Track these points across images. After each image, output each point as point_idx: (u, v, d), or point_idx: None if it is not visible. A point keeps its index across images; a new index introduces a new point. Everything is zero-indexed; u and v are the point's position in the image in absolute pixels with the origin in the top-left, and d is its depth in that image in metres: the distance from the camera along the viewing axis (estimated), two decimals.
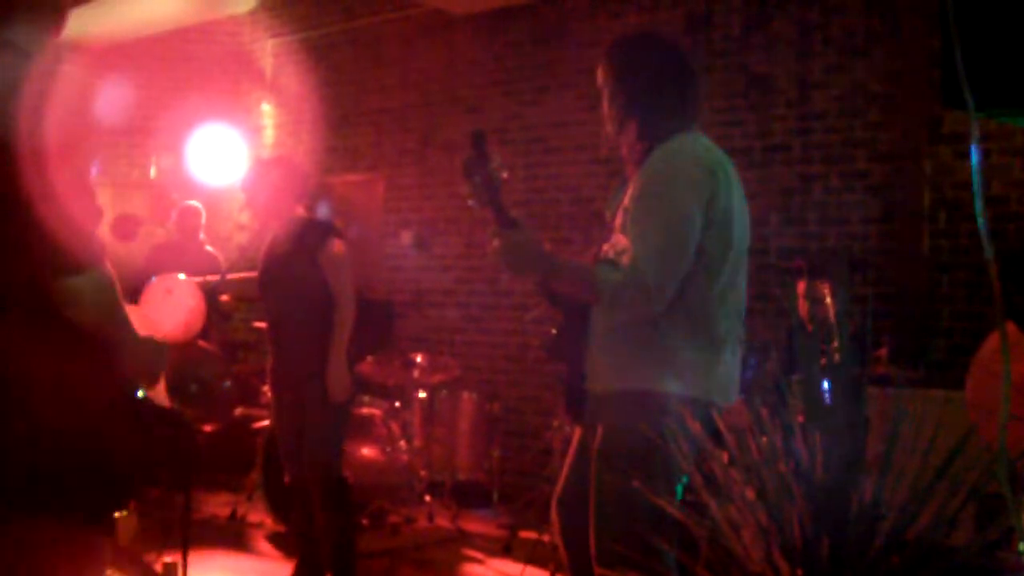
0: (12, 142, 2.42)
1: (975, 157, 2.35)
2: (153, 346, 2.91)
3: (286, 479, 5.99)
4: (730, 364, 3.61)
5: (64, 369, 2.57)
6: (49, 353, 2.55)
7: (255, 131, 11.71)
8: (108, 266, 2.60)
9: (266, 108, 11.84)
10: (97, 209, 2.64)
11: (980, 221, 2.27)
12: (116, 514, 2.79)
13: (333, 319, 5.75)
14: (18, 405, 2.49)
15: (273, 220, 5.91)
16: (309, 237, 5.83)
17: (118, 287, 2.63)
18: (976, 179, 2.35)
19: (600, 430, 3.65)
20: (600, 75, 3.81)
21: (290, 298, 5.82)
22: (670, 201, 3.50)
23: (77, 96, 2.56)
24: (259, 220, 5.97)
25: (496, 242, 3.60)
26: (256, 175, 5.94)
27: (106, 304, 2.61)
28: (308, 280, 5.77)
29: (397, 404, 8.19)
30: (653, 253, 3.43)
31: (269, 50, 11.82)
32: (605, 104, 3.79)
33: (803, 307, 6.82)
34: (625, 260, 3.47)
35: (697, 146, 3.61)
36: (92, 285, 2.54)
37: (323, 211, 5.96)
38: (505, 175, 3.67)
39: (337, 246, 5.86)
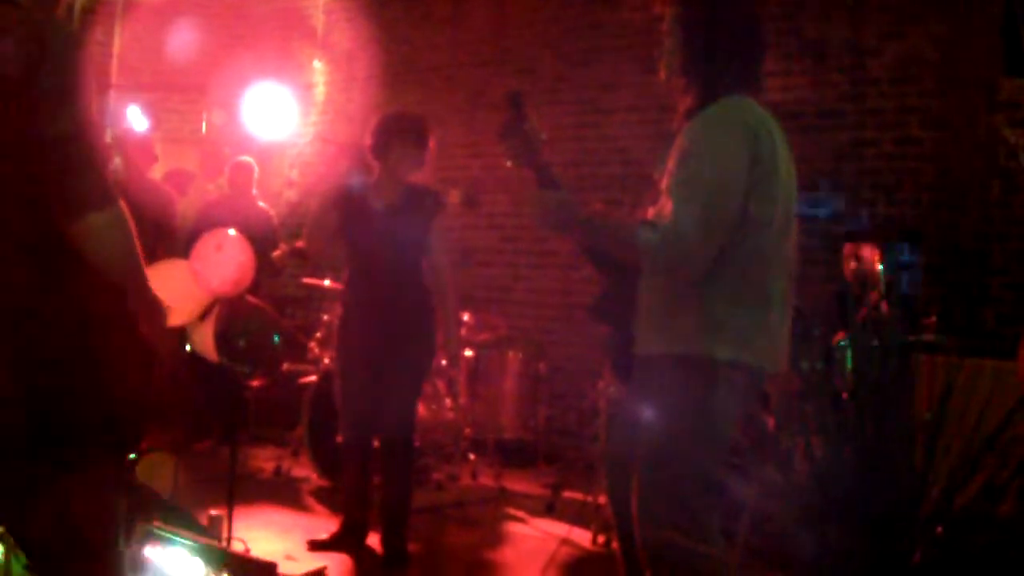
0: (26, 88, 2.47)
1: None
2: (156, 298, 2.94)
3: (339, 438, 6.02)
4: (778, 328, 3.58)
5: (80, 310, 2.61)
6: (68, 293, 2.59)
7: (306, 88, 11.72)
8: (124, 207, 2.63)
9: (317, 65, 11.83)
10: (107, 150, 2.69)
11: None
12: (131, 455, 2.83)
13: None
14: (33, 346, 2.53)
15: (395, 179, 5.95)
16: (427, 204, 5.98)
17: (133, 229, 2.67)
18: None
19: (647, 392, 3.65)
20: (668, 17, 3.75)
21: (404, 259, 5.91)
22: (712, 165, 3.47)
23: (84, 46, 2.59)
24: (383, 175, 5.96)
25: (531, 201, 3.62)
26: (387, 128, 5.98)
27: (122, 241, 2.65)
28: (420, 244, 5.93)
29: (443, 362, 8.21)
30: (693, 216, 3.41)
31: (321, 7, 11.81)
32: (666, 45, 3.74)
33: (848, 269, 6.80)
34: (665, 222, 3.46)
35: (742, 109, 3.57)
36: (111, 221, 2.58)
37: (353, 186, 5.97)
38: (544, 135, 3.68)
39: (445, 215, 6.10)
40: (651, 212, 3.69)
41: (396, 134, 5.90)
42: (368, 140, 5.96)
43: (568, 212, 3.62)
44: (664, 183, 3.59)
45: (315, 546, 6.00)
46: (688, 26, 3.68)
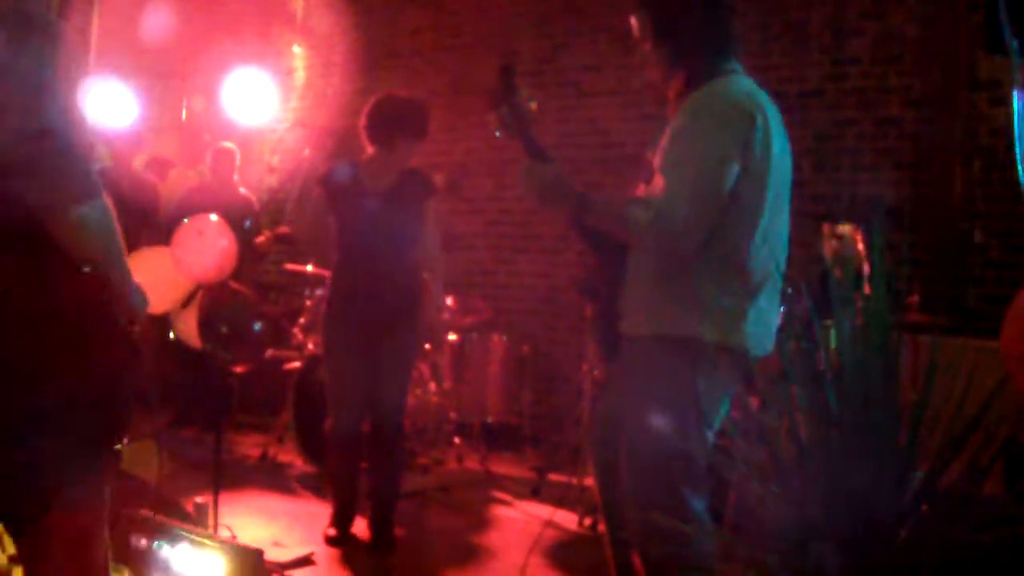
0: (13, 81, 2.46)
1: (1017, 102, 2.33)
2: (138, 289, 2.93)
3: (328, 425, 5.98)
4: (767, 311, 3.57)
5: (65, 300, 2.61)
6: (48, 286, 2.58)
7: (286, 73, 11.69)
8: (107, 199, 2.63)
9: (297, 50, 11.80)
10: (91, 143, 2.68)
11: (1020, 168, 2.25)
12: (118, 446, 2.83)
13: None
14: (19, 337, 2.53)
15: (393, 165, 5.93)
16: (420, 188, 5.98)
17: (116, 220, 2.67)
18: (1016, 125, 2.33)
19: (634, 373, 3.65)
20: (636, 19, 3.77)
21: (397, 244, 5.89)
22: (704, 143, 3.46)
23: (67, 37, 2.58)
24: (380, 160, 5.93)
25: (523, 173, 3.61)
26: (390, 116, 5.93)
27: (105, 235, 2.65)
28: (413, 228, 5.92)
29: (427, 346, 8.21)
30: (684, 194, 3.41)
31: None
32: (646, 48, 3.74)
33: (829, 248, 6.81)
34: (656, 200, 3.45)
35: (737, 88, 3.57)
36: (94, 216, 2.58)
37: (344, 169, 5.94)
38: (534, 106, 3.66)
39: (436, 199, 6.10)
40: (642, 190, 3.69)
41: (402, 129, 5.85)
42: (364, 122, 5.90)
43: (559, 186, 3.61)
44: (657, 162, 3.59)
45: (333, 542, 5.97)
46: (660, 19, 3.68)
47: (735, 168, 3.43)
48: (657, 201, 3.43)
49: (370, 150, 5.91)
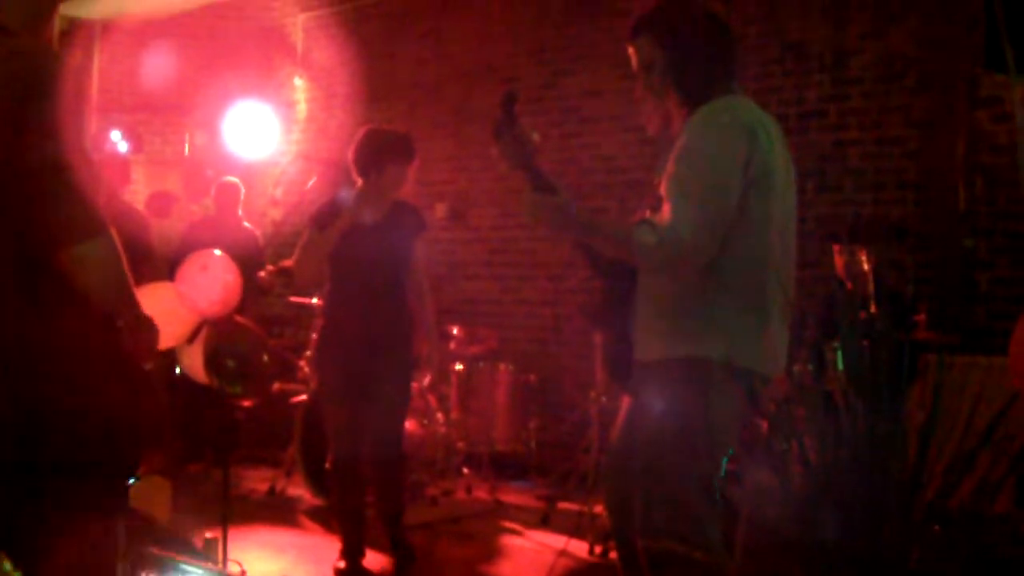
0: (12, 118, 2.46)
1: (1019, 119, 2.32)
2: (151, 324, 2.92)
3: (330, 459, 5.98)
4: (777, 331, 3.55)
5: (71, 338, 2.60)
6: (57, 322, 2.58)
7: (288, 106, 11.71)
8: (113, 234, 2.63)
9: (298, 83, 11.82)
10: (96, 179, 2.67)
11: None
12: (128, 482, 2.83)
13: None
14: (27, 374, 2.52)
15: (383, 197, 5.96)
16: (411, 221, 6.07)
17: (123, 255, 2.66)
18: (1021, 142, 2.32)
19: (646, 398, 3.64)
20: (637, 48, 3.77)
21: (388, 276, 5.95)
22: (707, 162, 3.46)
23: (70, 72, 2.58)
24: (370, 192, 5.94)
25: (527, 205, 3.60)
26: (379, 148, 5.95)
27: (112, 271, 2.64)
28: (406, 260, 6.01)
29: (428, 378, 8.17)
30: (689, 214, 3.39)
31: (300, 24, 11.79)
32: (647, 76, 3.74)
33: (840, 264, 6.81)
34: (662, 221, 3.44)
35: (737, 107, 3.57)
36: (100, 252, 2.58)
37: (339, 199, 5.95)
38: (536, 137, 3.66)
39: (428, 233, 6.25)
40: (648, 215, 3.68)
41: (390, 154, 5.90)
42: (353, 156, 5.93)
43: (564, 214, 3.60)
44: (663, 186, 3.58)
45: (342, 575, 5.95)
46: (663, 43, 3.68)
47: (738, 185, 3.42)
48: (663, 223, 3.42)
49: (360, 183, 5.93)
